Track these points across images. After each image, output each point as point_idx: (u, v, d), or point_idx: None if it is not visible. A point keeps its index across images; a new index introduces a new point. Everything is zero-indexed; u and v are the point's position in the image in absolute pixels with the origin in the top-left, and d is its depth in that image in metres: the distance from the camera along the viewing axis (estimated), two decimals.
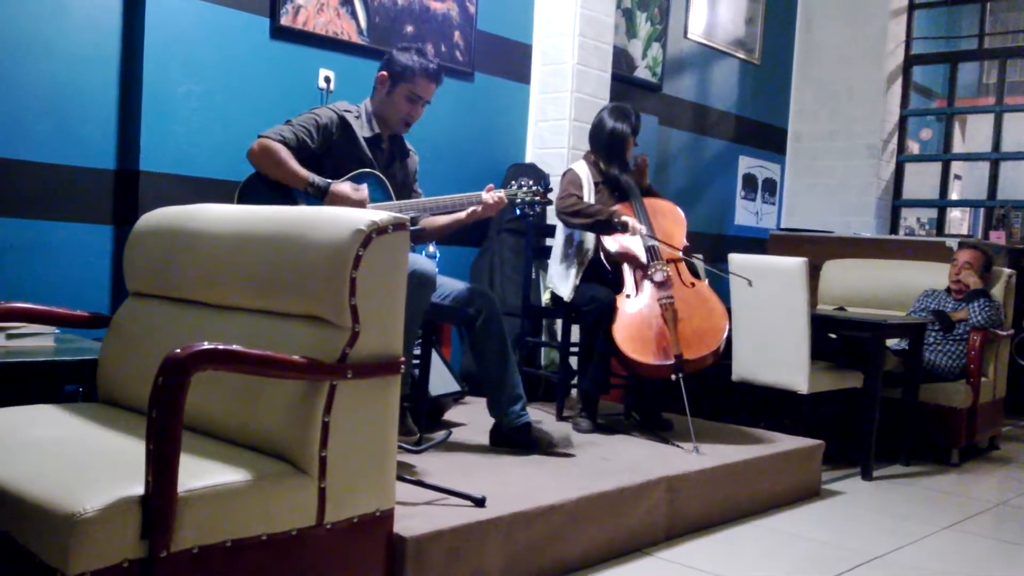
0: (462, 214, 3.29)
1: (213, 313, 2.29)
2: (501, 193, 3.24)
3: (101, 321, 2.58)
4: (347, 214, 2.07)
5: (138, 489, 1.65)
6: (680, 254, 3.84)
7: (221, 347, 1.77)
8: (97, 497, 1.61)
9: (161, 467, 1.66)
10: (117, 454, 1.92)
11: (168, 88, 3.56)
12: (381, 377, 2.06)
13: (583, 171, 4.00)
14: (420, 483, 2.53)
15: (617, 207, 3.88)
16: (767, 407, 4.40)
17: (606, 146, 4.01)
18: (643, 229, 3.80)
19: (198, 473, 1.77)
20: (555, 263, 4.04)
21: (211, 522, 1.75)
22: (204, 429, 2.11)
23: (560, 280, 3.95)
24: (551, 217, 4.47)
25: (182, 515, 1.69)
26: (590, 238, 3.92)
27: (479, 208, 3.23)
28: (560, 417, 3.96)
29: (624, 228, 3.78)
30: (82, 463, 1.85)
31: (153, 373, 1.68)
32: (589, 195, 3.94)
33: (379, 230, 2.01)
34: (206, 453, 1.92)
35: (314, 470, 1.94)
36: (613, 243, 3.83)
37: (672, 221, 3.97)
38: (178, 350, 1.70)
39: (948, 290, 4.99)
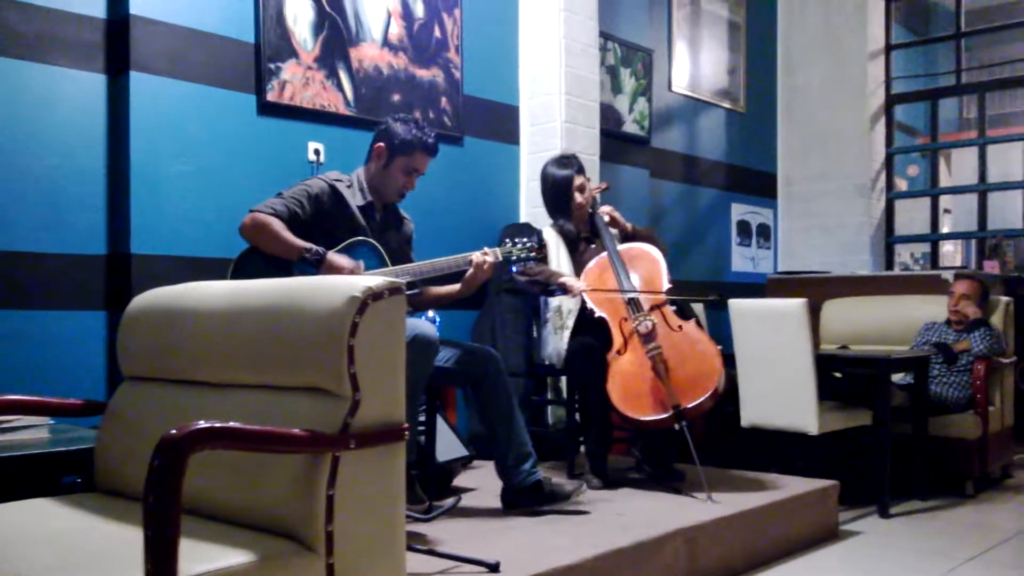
0: (456, 286, 3.27)
1: (211, 392, 2.25)
2: (495, 251, 3.22)
3: (96, 408, 2.52)
4: (341, 281, 2.04)
5: None
6: (664, 297, 3.78)
7: (218, 425, 1.72)
8: None
9: (160, 555, 1.59)
10: (116, 545, 1.85)
11: (157, 169, 3.56)
12: (385, 445, 2.00)
13: (551, 236, 3.97)
14: (432, 552, 2.47)
15: (557, 272, 3.82)
16: (779, 451, 4.34)
17: (551, 196, 4.00)
18: (580, 287, 3.72)
19: (200, 558, 1.71)
20: (544, 328, 3.99)
21: None
22: (205, 511, 2.05)
23: (547, 347, 3.91)
24: None
25: None
26: (567, 301, 3.84)
27: (474, 272, 3.20)
28: (571, 475, 3.89)
29: (564, 290, 3.74)
30: (79, 556, 1.79)
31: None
32: (557, 258, 3.91)
33: (374, 296, 1.97)
34: (208, 536, 1.86)
35: (321, 547, 1.87)
36: (593, 304, 3.77)
37: (649, 264, 3.89)
38: (174, 431, 1.65)
39: (948, 322, 4.97)
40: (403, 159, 3.28)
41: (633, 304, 3.73)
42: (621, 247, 3.95)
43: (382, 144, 3.30)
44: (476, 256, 3.21)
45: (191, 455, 1.65)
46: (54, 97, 3.41)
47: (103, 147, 3.54)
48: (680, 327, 3.70)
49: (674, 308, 3.83)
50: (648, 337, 3.62)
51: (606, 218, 4.00)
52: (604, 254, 3.89)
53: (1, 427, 2.68)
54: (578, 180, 3.96)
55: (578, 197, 3.96)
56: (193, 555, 1.70)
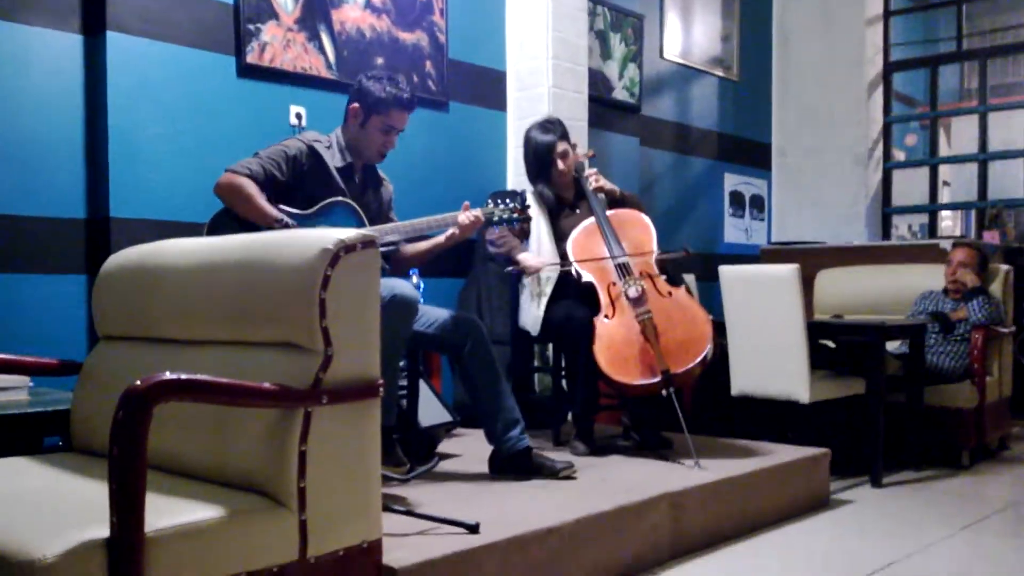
0: (441, 238, 3.22)
1: (184, 349, 2.22)
2: (477, 211, 3.17)
3: (72, 368, 2.50)
4: (313, 234, 1.99)
5: (103, 532, 1.57)
6: (652, 263, 3.72)
7: (183, 377, 1.69)
8: (58, 542, 1.53)
9: (125, 507, 1.57)
10: (85, 499, 1.83)
11: (135, 132, 3.51)
12: (359, 401, 1.97)
13: (533, 202, 3.84)
14: (409, 512, 2.44)
15: (517, 247, 3.77)
16: (769, 420, 4.30)
17: (532, 162, 3.92)
18: (537, 264, 3.69)
19: (168, 512, 1.69)
20: (521, 295, 3.93)
21: (184, 563, 1.65)
22: (176, 469, 2.02)
23: (524, 314, 3.85)
24: None
25: (151, 556, 1.59)
26: (547, 269, 3.76)
27: (456, 230, 3.16)
28: (557, 442, 3.86)
29: (519, 269, 3.73)
30: (48, 511, 1.77)
31: None
32: (537, 225, 3.81)
33: (347, 248, 1.93)
34: (177, 492, 1.84)
35: (293, 502, 1.84)
36: (582, 268, 3.71)
37: (639, 229, 3.84)
38: (137, 382, 1.62)
39: (945, 291, 4.92)
40: (379, 118, 3.20)
41: (622, 269, 3.68)
42: (611, 212, 3.88)
43: (357, 104, 3.23)
44: (463, 216, 3.16)
45: (156, 407, 1.62)
46: (29, 58, 3.35)
47: (81, 109, 3.48)
48: (670, 293, 3.66)
49: (664, 276, 3.78)
50: (638, 301, 3.57)
51: (592, 183, 3.93)
52: (592, 219, 3.83)
53: None
54: (560, 146, 3.86)
55: (560, 164, 3.86)
56: (160, 509, 1.67)
